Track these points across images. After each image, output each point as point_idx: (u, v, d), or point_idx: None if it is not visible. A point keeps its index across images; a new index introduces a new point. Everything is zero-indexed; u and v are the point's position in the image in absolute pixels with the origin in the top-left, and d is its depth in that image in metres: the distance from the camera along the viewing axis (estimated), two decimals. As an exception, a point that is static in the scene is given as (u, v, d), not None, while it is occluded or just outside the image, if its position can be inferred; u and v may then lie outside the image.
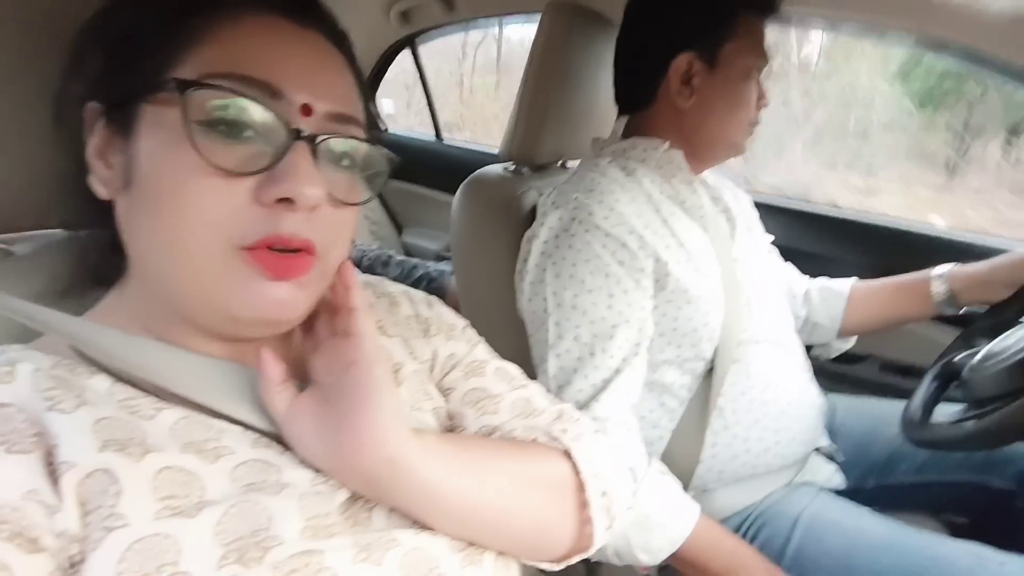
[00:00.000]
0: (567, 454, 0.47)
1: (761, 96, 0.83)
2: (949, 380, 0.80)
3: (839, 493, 0.84)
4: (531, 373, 0.76)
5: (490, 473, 0.42)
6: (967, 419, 0.64)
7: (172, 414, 0.36)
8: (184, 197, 0.34)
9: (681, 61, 0.79)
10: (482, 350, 0.56)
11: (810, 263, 1.07)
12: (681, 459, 0.77)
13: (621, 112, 0.90)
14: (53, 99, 0.40)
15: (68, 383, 0.34)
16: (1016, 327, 0.72)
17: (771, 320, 0.84)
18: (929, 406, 0.77)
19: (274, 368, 0.38)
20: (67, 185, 0.40)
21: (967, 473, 0.87)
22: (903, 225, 1.22)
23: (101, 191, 0.38)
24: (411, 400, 0.48)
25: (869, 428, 0.95)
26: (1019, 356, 0.63)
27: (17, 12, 0.41)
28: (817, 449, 0.87)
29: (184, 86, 0.33)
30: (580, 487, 0.46)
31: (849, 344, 1.03)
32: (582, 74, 0.91)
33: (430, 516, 0.40)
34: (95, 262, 0.43)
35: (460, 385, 0.52)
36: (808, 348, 1.21)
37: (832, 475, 0.86)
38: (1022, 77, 0.93)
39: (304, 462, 0.38)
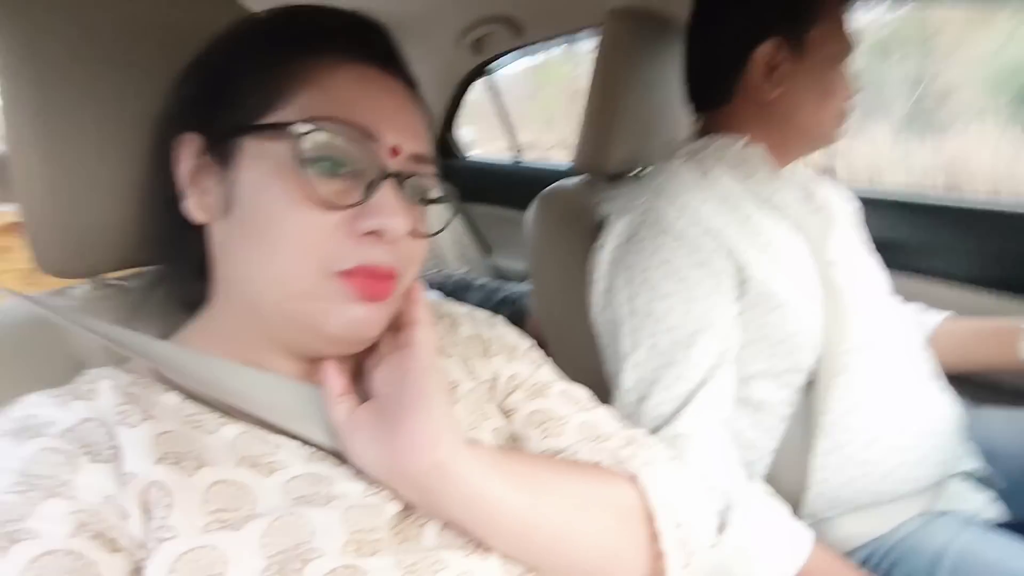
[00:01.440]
0: (633, 479, 0.44)
1: (853, 83, 0.76)
2: None
3: (998, 527, 0.70)
4: (609, 395, 0.72)
5: (548, 491, 0.40)
6: None
7: (233, 429, 0.39)
8: (285, 223, 0.37)
9: (765, 49, 0.73)
10: (546, 371, 0.55)
11: (919, 256, 0.96)
12: (786, 484, 0.69)
13: (697, 111, 0.84)
14: (155, 131, 0.45)
15: (139, 399, 0.38)
16: None
17: (881, 323, 0.74)
18: None
19: (336, 379, 0.40)
20: (159, 215, 0.45)
21: None
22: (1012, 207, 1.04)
23: (199, 215, 0.42)
24: (469, 420, 0.47)
25: None
26: None
27: (118, 54, 0.47)
28: (965, 473, 0.74)
29: (297, 128, 0.37)
30: (650, 516, 0.43)
31: None
32: (648, 80, 0.88)
33: (483, 530, 0.39)
34: (181, 290, 0.47)
35: (523, 407, 0.51)
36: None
37: (985, 504, 0.73)
38: None
39: (358, 474, 0.39)
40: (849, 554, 0.69)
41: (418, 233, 0.42)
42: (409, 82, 0.44)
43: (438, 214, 0.47)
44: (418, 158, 0.42)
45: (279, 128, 0.37)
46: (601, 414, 0.52)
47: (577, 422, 0.50)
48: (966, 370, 0.86)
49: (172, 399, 0.39)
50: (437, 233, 0.45)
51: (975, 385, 1.04)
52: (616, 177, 0.97)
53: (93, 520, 0.31)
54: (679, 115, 0.93)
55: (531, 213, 0.95)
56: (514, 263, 1.89)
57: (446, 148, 1.88)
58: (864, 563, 0.68)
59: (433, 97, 1.73)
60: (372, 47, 0.42)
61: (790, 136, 0.77)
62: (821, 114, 0.76)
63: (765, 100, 0.74)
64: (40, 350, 0.47)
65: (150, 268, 0.51)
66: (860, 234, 0.87)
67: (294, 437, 0.40)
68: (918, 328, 0.88)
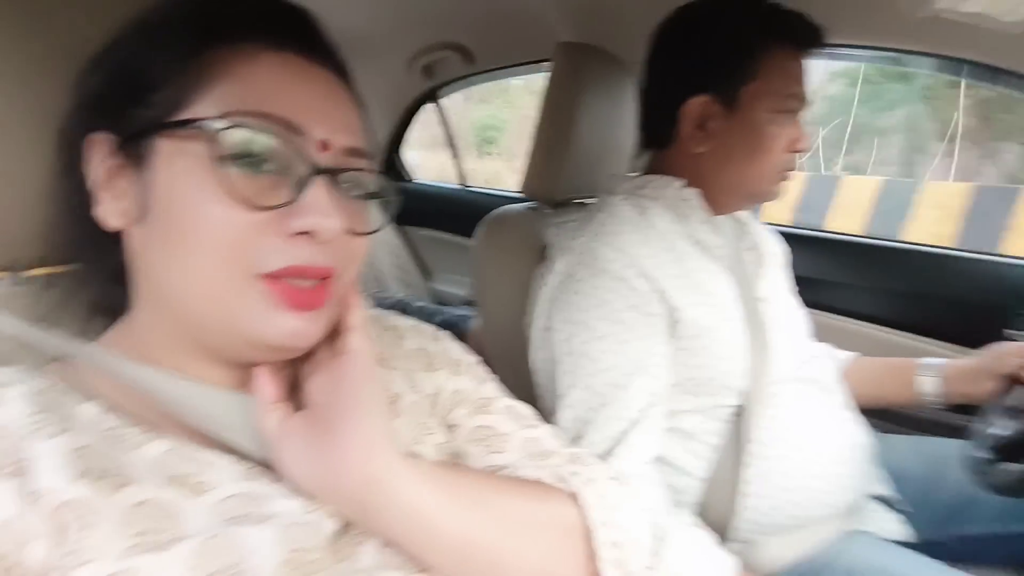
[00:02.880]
0: (574, 497, 0.44)
1: (796, 139, 0.75)
2: (1020, 413, 0.73)
3: (908, 546, 0.75)
4: (551, 417, 0.73)
5: (489, 508, 0.40)
6: None
7: (158, 446, 0.35)
8: (206, 225, 0.35)
9: (693, 105, 0.74)
10: (491, 387, 0.54)
11: (834, 292, 1.02)
12: (717, 509, 0.71)
13: (644, 147, 0.86)
14: (58, 130, 0.41)
15: (54, 408, 0.34)
16: None
17: (802, 358, 0.78)
18: (999, 445, 0.70)
19: (268, 386, 0.38)
20: (70, 217, 0.41)
21: None
22: (921, 247, 1.16)
23: (112, 221, 0.38)
24: (411, 434, 0.46)
25: (935, 471, 0.86)
26: None
27: (23, 45, 0.43)
28: (876, 497, 0.79)
29: (213, 125, 0.34)
30: (589, 534, 0.43)
31: None
32: (595, 112, 0.91)
33: (421, 548, 0.37)
34: (96, 295, 0.43)
35: (466, 422, 0.50)
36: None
37: (896, 526, 0.78)
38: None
39: (295, 491, 0.37)
40: (778, 574, 0.71)
41: (356, 231, 0.40)
42: (338, 71, 0.41)
43: (375, 212, 0.44)
44: (351, 152, 0.39)
45: (193, 125, 0.35)
46: (544, 431, 0.52)
47: (520, 439, 0.50)
48: (874, 404, 0.91)
49: (90, 410, 0.36)
50: (376, 231, 0.43)
51: (883, 415, 1.13)
52: (562, 204, 1.00)
53: None
54: (624, 147, 0.97)
55: (477, 237, 0.95)
56: (454, 288, 1.89)
57: (392, 170, 1.86)
58: (793, 582, 0.71)
59: (381, 118, 1.72)
60: (295, 33, 0.39)
61: (722, 188, 0.78)
62: (752, 170, 0.75)
63: (695, 152, 0.76)
64: None
65: (72, 267, 0.47)
66: (786, 274, 0.92)
67: (226, 453, 0.37)
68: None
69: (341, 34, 0.43)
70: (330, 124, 0.38)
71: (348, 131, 0.39)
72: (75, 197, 0.39)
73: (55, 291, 0.46)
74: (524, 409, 0.54)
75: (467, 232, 1.76)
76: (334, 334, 0.41)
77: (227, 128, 0.34)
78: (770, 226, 0.98)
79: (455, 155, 1.84)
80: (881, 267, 1.14)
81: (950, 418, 1.08)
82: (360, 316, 0.40)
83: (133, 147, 0.37)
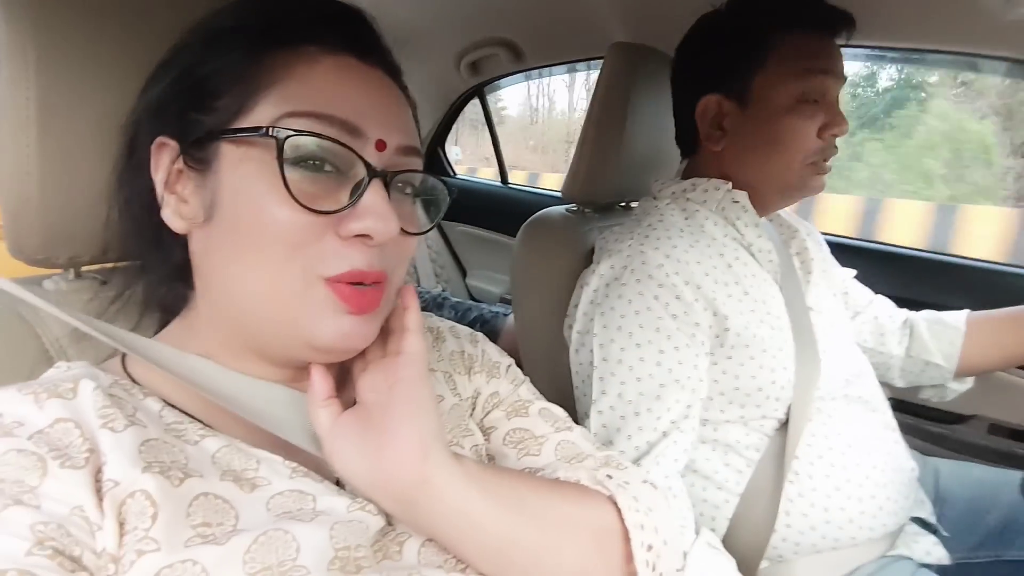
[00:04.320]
0: (611, 500, 0.44)
1: (828, 124, 0.72)
2: None
3: (945, 568, 0.73)
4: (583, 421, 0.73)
5: (531, 509, 0.40)
6: None
7: (215, 442, 0.37)
8: (270, 225, 0.36)
9: (707, 102, 0.75)
10: (526, 390, 0.55)
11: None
12: (753, 525, 0.70)
13: (683, 153, 0.87)
14: (126, 133, 0.42)
15: (122, 403, 0.36)
16: None
17: (847, 374, 0.76)
18: None
19: (322, 383, 0.39)
20: (135, 219, 0.43)
21: None
22: (989, 264, 1.10)
23: (178, 224, 0.39)
24: (450, 436, 0.47)
25: (979, 495, 0.83)
26: None
27: (91, 48, 0.45)
28: (917, 519, 0.77)
29: (279, 132, 0.35)
30: (626, 537, 0.43)
31: (967, 386, 0.90)
32: (646, 114, 0.91)
33: (464, 547, 0.38)
34: (154, 293, 0.45)
35: (502, 425, 0.51)
36: (902, 404, 1.10)
37: (932, 548, 0.76)
38: None
39: (340, 490, 0.38)
40: (807, 596, 0.70)
41: (407, 231, 0.40)
42: (392, 71, 0.42)
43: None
44: (405, 151, 0.40)
45: (259, 132, 0.35)
46: (578, 434, 0.52)
47: (555, 441, 0.50)
48: (1009, 365, 0.85)
49: (153, 405, 0.38)
50: (429, 230, 0.44)
51: (925, 436, 1.09)
52: (605, 208, 0.99)
53: (56, 535, 0.29)
54: (672, 152, 0.96)
55: (518, 238, 0.95)
56: (489, 285, 1.90)
57: (435, 165, 1.88)
58: (821, 605, 0.69)
59: (426, 113, 1.74)
60: (351, 36, 0.40)
61: (751, 185, 0.77)
62: (776, 163, 0.74)
63: (715, 151, 0.76)
64: (8, 341, 0.45)
65: (128, 264, 0.49)
66: (836, 274, 0.89)
67: (274, 452, 0.39)
68: (947, 330, 0.87)
69: (388, 29, 0.43)
70: (386, 124, 0.39)
71: (402, 131, 0.40)
72: (140, 199, 0.41)
73: (111, 287, 0.48)
74: (558, 411, 0.54)
75: (505, 229, 1.79)
76: (385, 334, 0.42)
77: (291, 135, 0.35)
78: (823, 235, 0.96)
79: (497, 151, 1.84)
80: (938, 281, 1.10)
81: (1009, 446, 1.04)
82: (417, 318, 0.41)
83: (198, 152, 0.38)
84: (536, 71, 1.51)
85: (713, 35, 0.77)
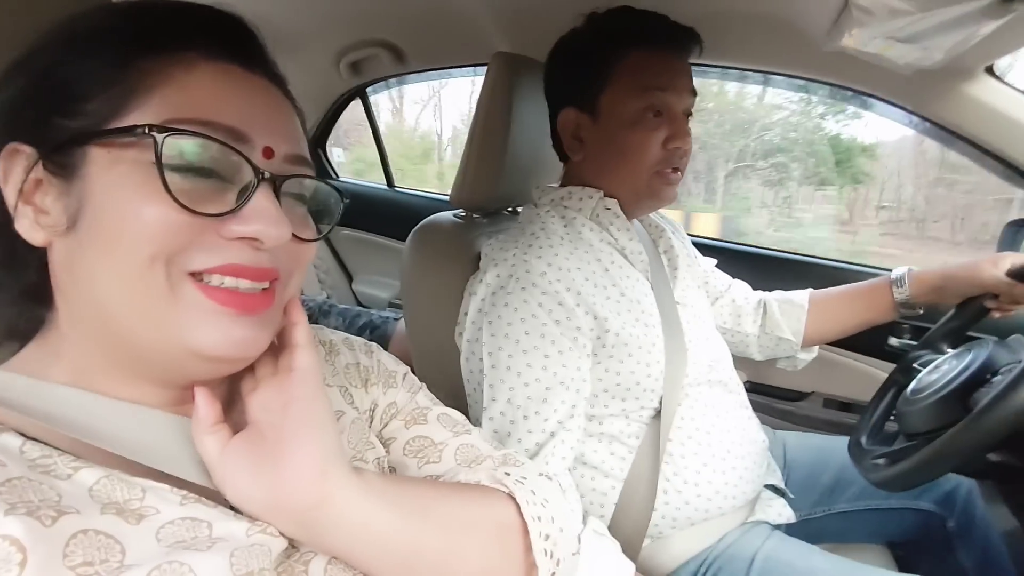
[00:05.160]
0: (511, 497, 0.46)
1: (671, 136, 0.77)
2: (888, 413, 0.84)
3: (791, 526, 0.85)
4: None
5: (434, 516, 0.41)
6: (897, 458, 0.66)
7: (91, 473, 0.33)
8: (138, 224, 0.33)
9: (565, 116, 0.81)
10: (423, 397, 0.55)
11: None
12: (636, 507, 0.76)
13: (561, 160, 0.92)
14: None
15: None
16: (942, 358, 0.76)
17: (710, 360, 0.85)
18: (872, 440, 0.80)
19: (207, 408, 0.37)
20: None
21: (901, 498, 0.91)
22: (819, 260, 1.28)
23: (37, 236, 0.36)
24: (353, 451, 0.46)
25: (816, 459, 0.98)
26: (940, 394, 0.67)
27: None
28: (770, 486, 0.88)
29: (160, 131, 0.33)
30: (525, 530, 0.45)
31: (813, 354, 1.03)
32: (528, 122, 0.94)
33: (371, 562, 0.38)
34: (11, 315, 0.40)
35: (401, 434, 0.51)
36: (754, 386, 1.25)
37: (782, 509, 0.87)
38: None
39: (238, 513, 0.36)
40: (683, 565, 0.78)
41: (301, 237, 0.39)
42: (277, 81, 0.41)
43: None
44: (293, 159, 0.39)
45: (135, 132, 0.33)
46: (476, 436, 0.54)
47: (454, 446, 0.51)
48: (846, 334, 0.97)
49: (11, 440, 0.33)
50: (321, 237, 0.42)
51: (774, 412, 1.25)
52: (492, 213, 1.02)
53: None
54: (554, 158, 1.00)
55: (408, 244, 0.95)
56: (377, 290, 1.85)
57: (316, 166, 1.78)
58: (695, 573, 0.77)
59: (307, 112, 1.65)
60: (233, 45, 0.38)
61: (612, 192, 0.82)
62: (625, 173, 0.79)
63: (577, 161, 0.83)
64: None
65: None
66: (696, 269, 0.99)
67: (159, 480, 0.35)
68: (793, 308, 0.98)
69: (264, 27, 0.42)
70: (272, 131, 0.38)
71: (290, 139, 0.39)
72: None
73: None
74: (456, 415, 0.55)
75: (392, 233, 1.75)
76: (274, 349, 0.40)
77: (170, 135, 0.33)
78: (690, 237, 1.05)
79: (382, 154, 1.80)
80: (784, 277, 1.25)
81: (839, 416, 1.22)
82: (306, 332, 0.40)
83: (61, 158, 0.35)
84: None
85: (569, 52, 0.82)
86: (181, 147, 0.34)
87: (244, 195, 0.35)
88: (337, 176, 1.89)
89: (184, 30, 0.36)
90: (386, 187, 1.84)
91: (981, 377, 0.65)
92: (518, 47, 1.07)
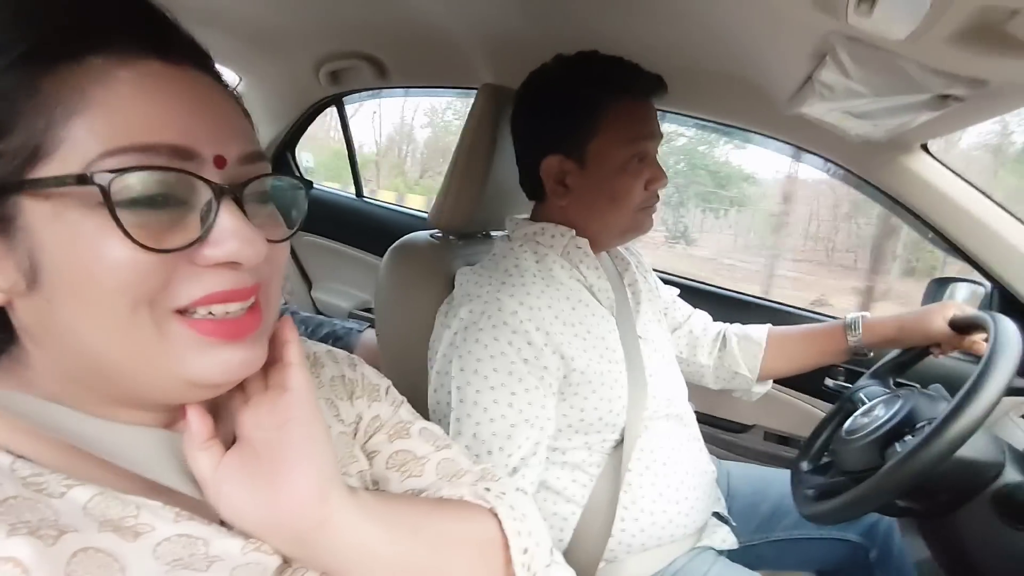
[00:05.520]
0: (492, 512, 0.48)
1: (652, 179, 0.83)
2: (824, 448, 0.91)
3: (733, 552, 0.90)
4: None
5: (423, 533, 0.42)
6: (828, 494, 0.73)
7: (84, 491, 0.33)
8: (112, 274, 0.30)
9: (549, 163, 0.83)
10: (405, 411, 0.56)
11: None
12: (594, 532, 0.79)
13: (528, 197, 0.93)
14: None
15: None
16: (876, 400, 0.84)
17: (669, 395, 0.89)
18: (810, 472, 0.87)
19: (200, 425, 0.36)
20: None
21: (830, 529, 0.99)
22: (766, 301, 1.37)
23: None
24: (339, 464, 0.46)
25: (756, 490, 1.04)
26: (866, 440, 0.74)
27: None
28: (716, 514, 0.93)
29: (102, 174, 0.29)
30: (506, 544, 0.47)
31: (767, 387, 1.08)
32: (509, 152, 0.97)
33: None
34: None
35: (384, 448, 0.52)
36: (702, 416, 1.32)
37: (726, 536, 0.92)
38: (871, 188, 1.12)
39: (232, 531, 0.36)
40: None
41: (273, 239, 0.36)
42: (202, 64, 0.36)
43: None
44: (247, 158, 0.36)
45: (74, 180, 0.29)
46: (456, 451, 0.55)
47: (436, 461, 0.52)
48: (800, 371, 1.03)
49: (2, 459, 0.32)
50: (294, 234, 0.40)
51: (720, 443, 1.32)
52: (467, 236, 1.04)
53: None
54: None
55: (385, 262, 0.96)
56: (337, 299, 1.82)
57: (284, 170, 1.75)
58: (645, 596, 0.81)
59: (280, 114, 1.62)
60: (144, 35, 0.33)
61: (592, 233, 0.87)
62: (613, 215, 0.84)
63: (562, 205, 0.85)
64: None
65: None
66: (657, 300, 1.03)
67: (152, 497, 0.35)
68: (751, 345, 1.02)
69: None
70: (218, 135, 0.34)
71: (238, 137, 0.35)
72: None
73: None
74: (436, 429, 0.56)
75: (357, 243, 1.74)
76: (264, 365, 0.39)
77: (113, 177, 0.29)
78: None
79: (352, 163, 1.79)
80: (732, 316, 1.34)
81: (777, 449, 1.30)
82: (298, 351, 0.39)
83: None
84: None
85: (550, 96, 0.83)
86: (126, 184, 0.30)
87: (207, 218, 0.33)
88: (311, 183, 1.85)
89: (85, 28, 0.31)
90: (354, 196, 1.83)
91: (900, 430, 0.72)
92: (501, 77, 1.10)
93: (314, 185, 0.42)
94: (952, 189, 1.02)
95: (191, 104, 0.33)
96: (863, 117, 0.81)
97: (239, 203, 0.34)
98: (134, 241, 0.30)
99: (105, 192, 0.29)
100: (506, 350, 0.74)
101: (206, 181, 0.32)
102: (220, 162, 0.34)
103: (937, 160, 1.02)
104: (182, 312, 0.33)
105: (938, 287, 1.03)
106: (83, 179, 0.29)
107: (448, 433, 0.72)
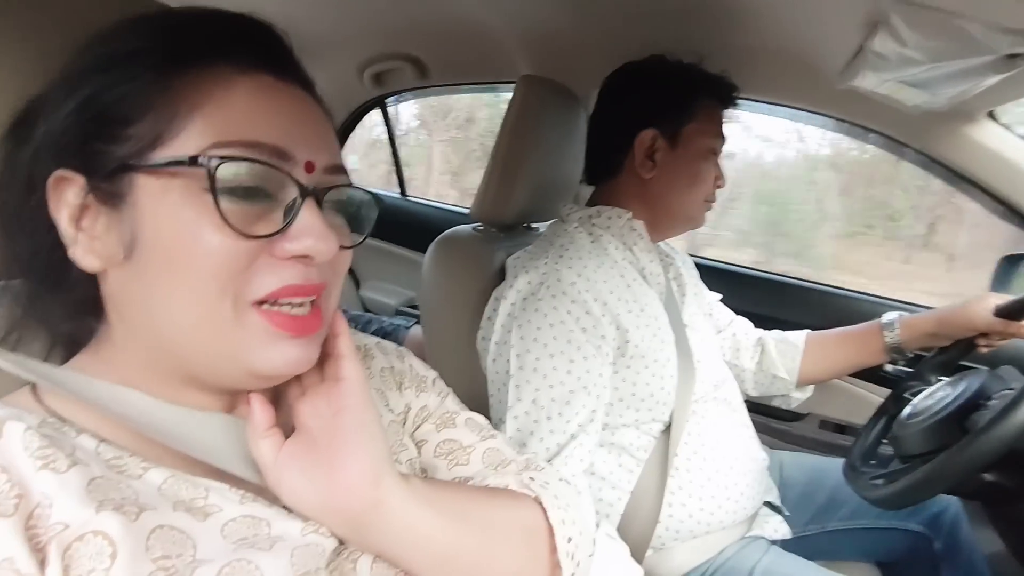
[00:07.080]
0: (537, 500, 0.49)
1: (718, 176, 0.90)
2: (881, 437, 0.87)
3: (787, 542, 0.88)
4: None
5: (472, 519, 0.43)
6: (893, 478, 0.70)
7: (159, 474, 0.36)
8: (204, 256, 0.34)
9: (645, 136, 0.86)
10: (452, 401, 0.58)
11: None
12: (641, 519, 0.79)
13: (590, 181, 0.96)
14: (19, 168, 0.37)
15: (58, 442, 0.33)
16: (935, 385, 0.80)
17: (716, 380, 0.89)
18: (866, 462, 0.83)
19: (263, 413, 0.39)
20: (34, 256, 0.38)
21: (890, 519, 0.95)
22: (820, 285, 1.33)
23: (92, 263, 0.36)
24: (391, 451, 0.48)
25: (811, 479, 1.01)
26: (936, 418, 0.70)
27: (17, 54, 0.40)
28: (768, 503, 0.91)
29: (211, 160, 0.34)
30: (550, 533, 0.48)
31: (808, 393, 1.07)
32: (550, 143, 0.98)
33: (413, 562, 0.40)
34: (65, 328, 0.41)
35: (432, 437, 0.53)
36: (754, 405, 1.28)
37: (779, 526, 0.90)
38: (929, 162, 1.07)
39: (292, 513, 0.39)
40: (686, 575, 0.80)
41: (343, 246, 0.40)
42: (307, 87, 0.41)
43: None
44: (332, 169, 0.40)
45: (185, 163, 0.34)
46: (500, 441, 0.56)
47: (482, 450, 0.54)
48: (839, 375, 1.04)
49: (88, 442, 0.35)
50: (362, 242, 0.43)
51: (772, 432, 1.28)
52: (509, 228, 1.05)
53: None
54: (572, 179, 1.04)
55: (428, 255, 0.98)
56: (384, 297, 1.87)
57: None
58: (695, 584, 0.80)
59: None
60: (264, 53, 0.38)
61: (662, 214, 0.90)
62: (688, 198, 0.89)
63: (643, 178, 0.88)
64: None
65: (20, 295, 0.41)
66: (704, 295, 1.04)
67: (218, 479, 0.38)
68: (789, 348, 1.02)
69: (290, 31, 0.41)
70: (312, 144, 0.38)
71: (328, 150, 0.40)
72: (40, 237, 0.37)
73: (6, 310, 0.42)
74: (481, 420, 0.58)
75: (403, 241, 1.78)
76: (321, 357, 0.41)
77: (221, 163, 0.34)
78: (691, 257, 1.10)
79: (397, 164, 1.84)
80: (782, 301, 1.29)
81: (833, 438, 1.25)
82: (349, 343, 0.41)
83: (109, 185, 0.35)
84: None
85: (652, 77, 0.89)
86: (232, 172, 0.34)
87: (291, 213, 0.36)
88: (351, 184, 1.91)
89: (215, 42, 0.37)
90: (399, 195, 1.88)
91: (976, 402, 0.68)
92: (541, 69, 1.11)
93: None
94: (1024, 159, 0.95)
95: (292, 114, 0.38)
96: (920, 86, 0.77)
97: (319, 204, 0.38)
98: (227, 223, 0.34)
99: (211, 175, 0.34)
100: (565, 319, 0.75)
101: (295, 181, 0.36)
102: (310, 167, 0.38)
103: (1006, 128, 0.95)
104: (259, 304, 0.36)
105: (1009, 265, 0.97)
106: (194, 161, 0.34)
107: (507, 400, 0.74)
